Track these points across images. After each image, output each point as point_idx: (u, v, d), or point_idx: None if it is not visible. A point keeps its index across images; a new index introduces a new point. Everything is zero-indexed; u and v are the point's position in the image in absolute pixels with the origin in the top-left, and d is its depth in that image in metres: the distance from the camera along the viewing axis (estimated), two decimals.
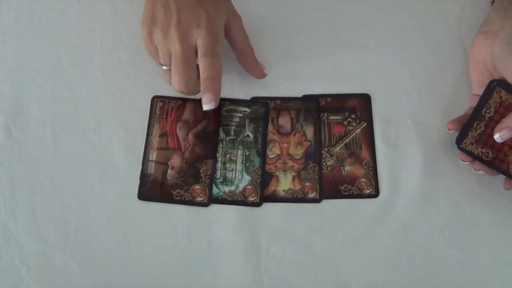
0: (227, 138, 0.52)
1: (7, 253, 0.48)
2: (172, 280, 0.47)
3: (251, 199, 0.50)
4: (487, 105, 0.47)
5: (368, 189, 0.50)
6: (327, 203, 0.50)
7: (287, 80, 0.54)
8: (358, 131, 0.52)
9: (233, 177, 0.50)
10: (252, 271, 0.47)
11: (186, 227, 0.49)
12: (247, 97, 0.54)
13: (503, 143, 0.46)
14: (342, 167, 0.51)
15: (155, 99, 0.53)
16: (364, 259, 0.48)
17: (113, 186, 0.50)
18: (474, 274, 0.47)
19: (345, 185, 0.50)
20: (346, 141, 0.52)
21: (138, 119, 0.52)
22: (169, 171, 0.50)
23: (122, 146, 0.51)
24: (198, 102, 0.52)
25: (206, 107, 0.47)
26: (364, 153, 0.51)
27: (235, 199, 0.50)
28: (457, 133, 0.49)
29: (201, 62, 0.46)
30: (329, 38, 0.56)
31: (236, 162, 0.51)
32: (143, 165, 0.51)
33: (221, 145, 0.52)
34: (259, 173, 0.50)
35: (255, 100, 0.54)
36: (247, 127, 0.52)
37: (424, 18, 0.57)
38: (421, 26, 0.57)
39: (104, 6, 0.57)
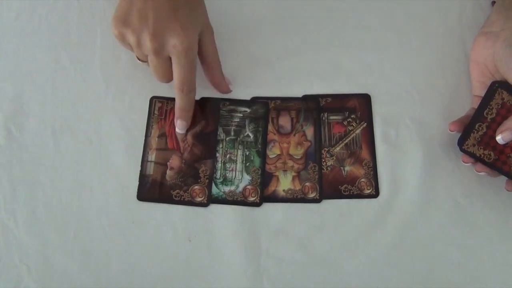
0: (227, 138, 0.52)
1: (7, 253, 0.48)
2: (172, 280, 0.47)
3: (251, 199, 0.50)
4: (489, 106, 0.47)
5: (368, 189, 0.50)
6: (327, 203, 0.50)
7: (287, 80, 0.54)
8: (358, 131, 0.52)
9: (233, 177, 0.50)
10: (252, 271, 0.47)
11: (186, 227, 0.49)
12: (247, 97, 0.54)
13: (505, 145, 0.46)
14: (342, 167, 0.51)
15: (153, 99, 0.53)
16: (364, 259, 0.48)
17: (113, 186, 0.50)
18: (474, 274, 0.47)
19: (345, 185, 0.50)
20: (346, 141, 0.52)
21: (137, 119, 0.52)
22: (168, 171, 0.50)
23: (122, 146, 0.51)
24: (197, 102, 0.52)
25: (179, 131, 0.51)
26: (364, 153, 0.51)
27: (235, 199, 0.50)
28: (458, 134, 0.49)
29: (177, 95, 0.49)
30: (329, 38, 0.56)
31: (236, 162, 0.51)
32: (142, 165, 0.51)
33: (221, 145, 0.52)
34: (259, 173, 0.50)
35: (255, 100, 0.54)
36: (247, 127, 0.52)
37: (424, 18, 0.57)
38: (421, 26, 0.57)
39: (104, 6, 0.57)
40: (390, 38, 0.56)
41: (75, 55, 0.55)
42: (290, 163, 0.51)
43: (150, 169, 0.51)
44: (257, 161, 0.51)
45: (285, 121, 0.53)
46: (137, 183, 0.50)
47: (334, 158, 0.51)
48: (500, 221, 0.49)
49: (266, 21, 0.57)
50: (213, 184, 0.50)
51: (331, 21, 0.57)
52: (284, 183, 0.50)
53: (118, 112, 0.53)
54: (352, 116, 0.53)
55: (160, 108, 0.53)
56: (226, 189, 0.50)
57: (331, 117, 0.53)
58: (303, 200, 0.50)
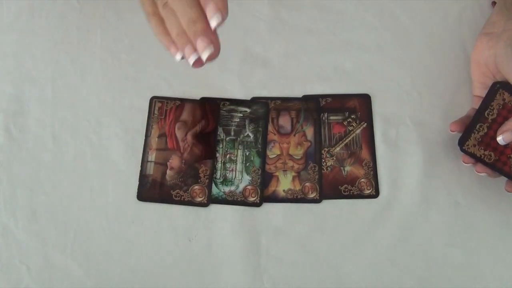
0: (227, 138, 0.52)
1: (7, 253, 0.48)
2: (172, 280, 0.47)
3: (251, 199, 0.50)
4: (490, 107, 0.47)
5: (368, 190, 0.50)
6: (327, 204, 0.50)
7: (287, 80, 0.54)
8: (358, 131, 0.52)
9: (233, 177, 0.50)
10: (252, 271, 0.47)
11: (186, 227, 0.49)
12: (247, 97, 0.54)
13: (505, 146, 0.46)
14: (342, 168, 0.51)
15: (153, 99, 0.53)
16: (364, 259, 0.48)
17: (113, 186, 0.50)
18: (474, 274, 0.47)
19: (345, 185, 0.50)
20: (346, 141, 0.52)
21: (137, 119, 0.52)
22: (168, 171, 0.50)
23: (122, 146, 0.51)
24: (197, 102, 0.52)
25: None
26: (364, 154, 0.51)
27: (235, 199, 0.50)
28: (458, 135, 0.49)
29: None
30: (329, 38, 0.56)
31: (236, 162, 0.51)
32: (142, 165, 0.51)
33: (221, 145, 0.52)
34: (259, 173, 0.50)
35: (255, 100, 0.54)
36: (247, 127, 0.52)
37: (424, 18, 0.57)
38: (421, 26, 0.57)
39: (104, 6, 0.57)
40: (390, 38, 0.56)
41: (75, 55, 0.55)
42: (290, 163, 0.51)
43: (150, 169, 0.51)
44: (257, 161, 0.51)
45: (285, 121, 0.53)
46: (137, 183, 0.50)
47: (334, 158, 0.51)
48: (500, 221, 0.49)
49: (266, 21, 0.57)
50: (213, 184, 0.50)
51: (331, 21, 0.57)
52: (284, 183, 0.50)
53: (118, 112, 0.53)
54: (352, 116, 0.53)
55: (160, 108, 0.53)
56: (226, 189, 0.50)
57: (331, 117, 0.53)
58: (303, 200, 0.50)
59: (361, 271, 0.47)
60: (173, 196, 0.50)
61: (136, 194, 0.50)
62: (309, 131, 0.52)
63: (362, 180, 0.50)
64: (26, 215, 0.49)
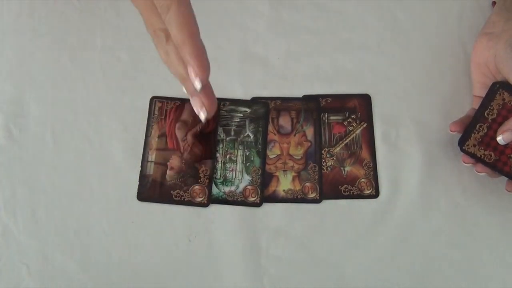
0: (227, 138, 0.52)
1: (7, 253, 0.48)
2: (172, 280, 0.47)
3: (251, 199, 0.50)
4: (490, 107, 0.47)
5: (368, 190, 0.50)
6: (327, 204, 0.50)
7: (287, 80, 0.54)
8: (358, 131, 0.52)
9: (233, 177, 0.50)
10: (252, 271, 0.47)
11: (186, 227, 0.49)
12: (247, 97, 0.54)
13: (505, 145, 0.46)
14: (342, 168, 0.51)
15: (153, 99, 0.53)
16: (364, 259, 0.48)
17: (113, 186, 0.50)
18: (474, 274, 0.47)
19: (345, 185, 0.50)
20: (346, 141, 0.52)
21: (137, 119, 0.52)
22: (168, 171, 0.50)
23: (122, 146, 0.51)
24: None
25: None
26: (364, 154, 0.51)
27: (235, 199, 0.50)
28: (458, 135, 0.49)
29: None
30: (329, 38, 0.56)
31: (236, 162, 0.51)
32: (142, 165, 0.51)
33: (221, 145, 0.52)
34: (259, 173, 0.50)
35: (255, 100, 0.54)
36: (247, 127, 0.52)
37: (424, 18, 0.57)
38: (421, 26, 0.57)
39: (104, 6, 0.57)
40: (390, 38, 0.56)
41: (75, 55, 0.55)
42: (290, 163, 0.51)
43: (150, 169, 0.51)
44: (257, 161, 0.51)
45: (285, 121, 0.53)
46: (137, 183, 0.50)
47: (334, 158, 0.51)
48: (500, 221, 0.49)
49: (266, 21, 0.57)
50: (213, 184, 0.50)
51: (331, 21, 0.57)
52: (284, 183, 0.50)
53: (118, 112, 0.53)
54: (352, 116, 0.53)
55: (160, 108, 0.53)
56: (226, 189, 0.50)
57: (331, 117, 0.53)
58: (303, 200, 0.50)
59: (361, 271, 0.47)
60: (173, 196, 0.50)
61: (136, 194, 0.50)
62: (309, 131, 0.52)
63: (362, 180, 0.50)
64: (26, 215, 0.49)
